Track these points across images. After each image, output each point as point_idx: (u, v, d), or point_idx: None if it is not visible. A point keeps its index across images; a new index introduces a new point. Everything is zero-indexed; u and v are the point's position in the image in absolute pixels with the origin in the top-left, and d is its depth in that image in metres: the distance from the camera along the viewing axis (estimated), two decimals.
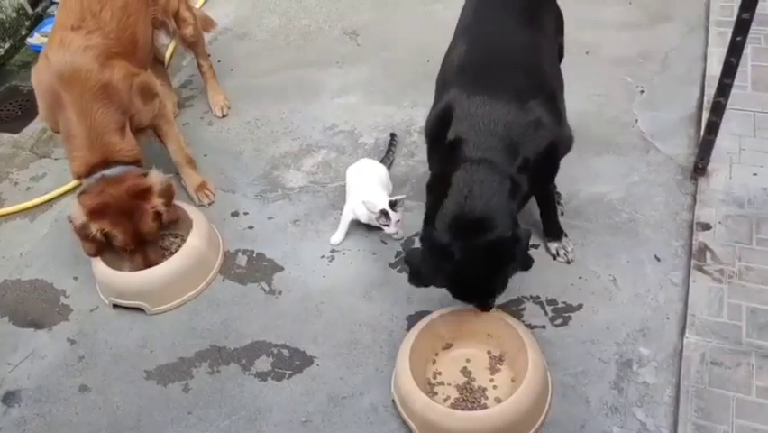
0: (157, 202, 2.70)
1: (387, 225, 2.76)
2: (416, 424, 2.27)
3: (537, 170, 2.26)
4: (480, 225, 2.10)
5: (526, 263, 2.28)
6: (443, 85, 2.39)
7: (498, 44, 2.36)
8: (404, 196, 2.80)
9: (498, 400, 2.28)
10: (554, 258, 2.71)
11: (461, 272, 2.16)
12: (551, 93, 2.33)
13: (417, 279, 2.28)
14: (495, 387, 2.35)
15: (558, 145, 2.33)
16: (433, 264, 2.18)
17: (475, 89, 2.20)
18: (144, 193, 2.68)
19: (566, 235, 2.73)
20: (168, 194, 2.78)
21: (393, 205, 2.73)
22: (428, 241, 2.18)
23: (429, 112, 2.39)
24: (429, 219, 2.20)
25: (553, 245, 2.72)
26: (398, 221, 2.76)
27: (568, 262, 2.69)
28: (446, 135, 2.21)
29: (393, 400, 2.39)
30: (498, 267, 2.18)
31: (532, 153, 2.19)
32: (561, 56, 2.72)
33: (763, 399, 2.20)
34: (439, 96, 2.36)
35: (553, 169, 2.44)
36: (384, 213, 2.72)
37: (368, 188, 2.85)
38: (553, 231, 2.72)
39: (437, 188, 2.20)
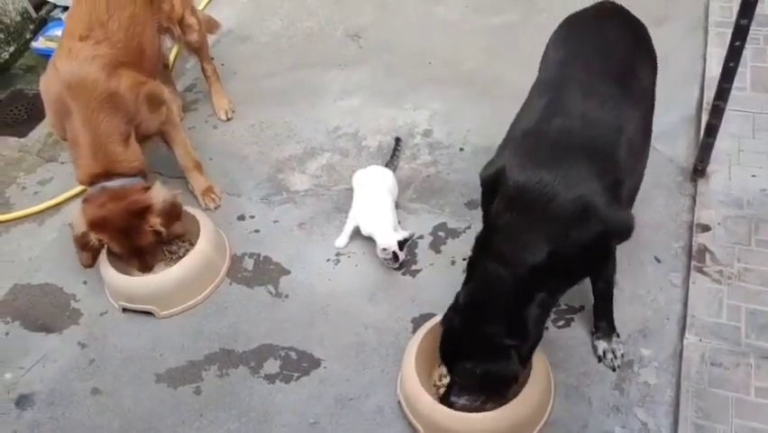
0: (155, 222, 2.67)
1: (393, 263, 2.82)
2: (421, 425, 2.32)
3: (579, 262, 2.10)
4: (483, 332, 2.07)
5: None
6: (507, 140, 2.23)
7: (575, 115, 2.12)
8: (413, 233, 2.88)
9: None
10: (599, 360, 2.45)
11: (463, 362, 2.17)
12: (615, 180, 2.08)
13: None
14: None
15: (609, 236, 2.10)
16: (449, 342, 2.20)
17: (529, 165, 2.04)
18: (143, 212, 2.66)
19: (618, 336, 2.46)
20: (171, 212, 2.75)
21: (402, 245, 2.78)
22: (447, 322, 2.20)
23: (491, 160, 2.20)
24: (457, 299, 2.19)
25: (601, 345, 2.45)
26: (403, 260, 2.82)
27: (614, 370, 2.43)
28: (496, 195, 2.10)
29: (399, 402, 2.43)
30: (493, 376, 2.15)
31: (571, 246, 2.01)
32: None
33: (762, 399, 2.24)
34: (502, 150, 2.21)
35: (602, 259, 2.23)
36: (393, 254, 2.78)
37: (375, 200, 2.92)
38: (602, 327, 2.47)
39: (469, 270, 2.19)
